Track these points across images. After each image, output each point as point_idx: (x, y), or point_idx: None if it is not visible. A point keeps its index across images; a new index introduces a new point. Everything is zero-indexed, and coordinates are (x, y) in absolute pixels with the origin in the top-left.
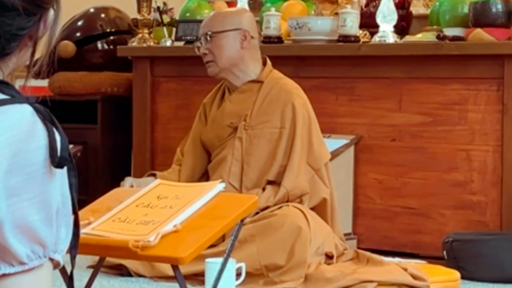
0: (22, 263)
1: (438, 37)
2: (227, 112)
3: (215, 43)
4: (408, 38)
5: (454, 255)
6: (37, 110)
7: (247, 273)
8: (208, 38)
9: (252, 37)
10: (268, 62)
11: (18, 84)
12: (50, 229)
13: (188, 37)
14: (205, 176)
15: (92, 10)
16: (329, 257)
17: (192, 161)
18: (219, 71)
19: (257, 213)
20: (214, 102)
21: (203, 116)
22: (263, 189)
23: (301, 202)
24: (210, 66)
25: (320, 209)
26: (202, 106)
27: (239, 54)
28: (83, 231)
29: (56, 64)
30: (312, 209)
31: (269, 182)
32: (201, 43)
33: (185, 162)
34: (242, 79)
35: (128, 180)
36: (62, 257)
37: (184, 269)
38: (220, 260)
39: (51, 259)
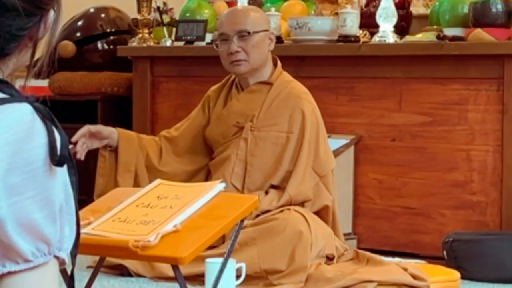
0: (27, 261)
1: (438, 37)
2: (234, 111)
3: (250, 42)
4: (408, 38)
5: (454, 255)
6: (36, 109)
7: (247, 276)
8: (244, 36)
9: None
10: (279, 63)
11: (18, 84)
12: (53, 226)
13: (188, 37)
14: (205, 173)
15: (92, 10)
16: (329, 258)
17: (193, 158)
18: (249, 70)
19: (258, 215)
20: (220, 97)
21: (206, 109)
22: (266, 193)
23: (302, 206)
24: (241, 64)
25: (322, 215)
26: (206, 97)
27: (266, 56)
28: (83, 231)
29: (56, 64)
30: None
31: (273, 186)
32: (233, 41)
33: (179, 152)
34: (255, 79)
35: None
36: (67, 256)
37: (184, 270)
38: (220, 260)
39: (56, 257)
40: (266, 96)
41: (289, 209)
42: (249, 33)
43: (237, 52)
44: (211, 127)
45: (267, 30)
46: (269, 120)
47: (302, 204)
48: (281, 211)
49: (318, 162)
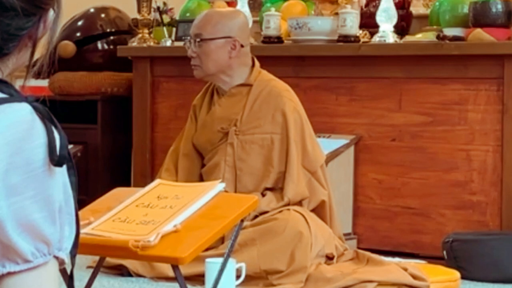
0: (27, 261)
1: (438, 37)
2: (217, 117)
3: (203, 49)
4: (408, 38)
5: (454, 255)
6: (35, 109)
7: (247, 276)
8: (197, 43)
9: (242, 46)
10: (257, 63)
11: (17, 84)
12: (53, 226)
13: (188, 37)
14: (199, 180)
15: (92, 10)
16: (329, 258)
17: (188, 164)
18: (204, 76)
19: (256, 216)
20: (203, 104)
21: (194, 118)
22: (262, 195)
23: (300, 205)
24: (196, 69)
25: (319, 211)
26: (192, 108)
27: (226, 63)
28: (83, 231)
29: (56, 64)
30: (311, 211)
31: (267, 188)
32: (190, 43)
33: (182, 166)
34: (230, 84)
35: None
36: (67, 256)
37: (184, 270)
38: (220, 260)
39: (56, 257)
40: (247, 99)
41: (288, 210)
42: (202, 39)
43: (191, 56)
44: (198, 135)
45: (229, 37)
46: (252, 122)
47: (299, 202)
48: (280, 211)
49: (307, 159)
